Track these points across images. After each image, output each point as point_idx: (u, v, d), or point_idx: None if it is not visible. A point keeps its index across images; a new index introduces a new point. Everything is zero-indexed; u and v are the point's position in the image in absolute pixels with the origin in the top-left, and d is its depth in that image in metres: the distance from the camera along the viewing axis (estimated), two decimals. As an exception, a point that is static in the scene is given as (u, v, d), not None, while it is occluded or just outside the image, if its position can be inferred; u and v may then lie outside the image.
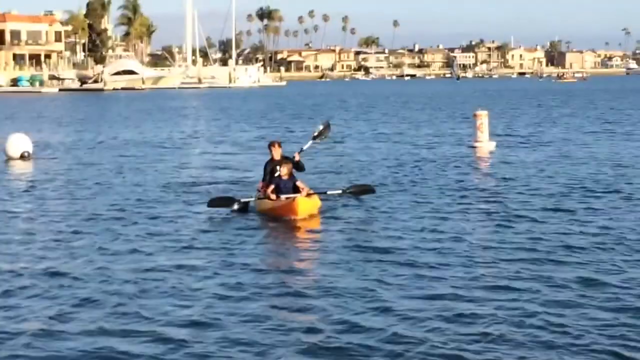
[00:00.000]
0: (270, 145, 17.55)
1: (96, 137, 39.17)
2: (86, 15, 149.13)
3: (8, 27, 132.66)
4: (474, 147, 29.56)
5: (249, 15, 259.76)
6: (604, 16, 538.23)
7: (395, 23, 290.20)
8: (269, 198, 16.20)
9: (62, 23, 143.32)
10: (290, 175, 16.48)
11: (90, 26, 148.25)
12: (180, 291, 10.87)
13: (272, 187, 16.34)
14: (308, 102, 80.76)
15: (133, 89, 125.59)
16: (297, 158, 17.28)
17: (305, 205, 15.75)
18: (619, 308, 9.86)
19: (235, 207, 16.43)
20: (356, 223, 15.53)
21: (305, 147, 18.36)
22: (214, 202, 16.52)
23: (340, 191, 17.72)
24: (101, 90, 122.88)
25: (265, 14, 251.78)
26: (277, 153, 17.19)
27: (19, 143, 28.68)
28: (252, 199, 16.76)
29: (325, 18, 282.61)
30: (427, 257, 12.52)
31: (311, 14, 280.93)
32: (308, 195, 16.17)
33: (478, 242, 13.68)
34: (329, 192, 17.65)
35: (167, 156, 29.77)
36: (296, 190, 16.27)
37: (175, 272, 11.83)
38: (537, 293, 10.46)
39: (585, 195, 18.54)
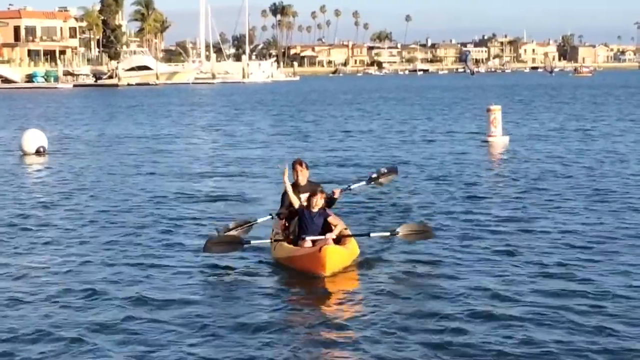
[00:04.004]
0: (295, 165, 12.92)
1: (110, 132, 39.21)
2: (100, 12, 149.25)
3: (23, 23, 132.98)
4: (488, 141, 29.52)
5: (263, 11, 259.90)
6: (617, 10, 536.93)
7: (408, 18, 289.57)
8: (291, 242, 11.91)
9: (76, 19, 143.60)
10: (322, 207, 11.99)
11: (104, 22, 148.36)
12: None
13: (292, 219, 12.20)
14: (347, 97, 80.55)
15: (147, 84, 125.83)
16: (336, 195, 12.94)
17: (336, 256, 11.08)
18: None
19: (242, 249, 12.14)
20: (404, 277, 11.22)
21: (353, 187, 14.54)
22: (213, 246, 11.81)
23: (364, 183, 14.62)
24: (116, 85, 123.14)
25: (278, 10, 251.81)
26: (303, 176, 12.81)
27: (34, 138, 28.80)
28: (267, 240, 12.20)
29: (337, 13, 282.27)
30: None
31: (323, 9, 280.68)
32: (341, 238, 11.77)
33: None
34: (352, 187, 14.47)
35: (178, 152, 29.79)
36: (327, 229, 11.82)
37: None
38: None
39: None
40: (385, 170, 14.79)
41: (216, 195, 18.67)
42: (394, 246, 12.76)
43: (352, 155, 26.93)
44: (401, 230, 12.34)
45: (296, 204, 12.22)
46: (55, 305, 10.10)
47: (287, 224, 12.51)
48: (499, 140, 29.46)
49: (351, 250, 11.56)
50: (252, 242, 12.07)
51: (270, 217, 13.09)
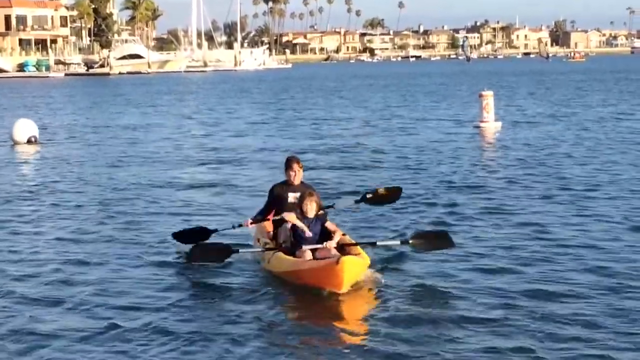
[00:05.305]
0: (291, 162, 11.31)
1: (101, 121, 39.13)
2: (91, 0, 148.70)
3: (14, 12, 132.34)
4: (480, 127, 29.54)
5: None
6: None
7: (401, 4, 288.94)
8: (286, 252, 10.28)
9: (67, 8, 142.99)
10: (317, 212, 10.48)
11: (95, 11, 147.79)
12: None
13: (291, 215, 10.47)
14: (354, 83, 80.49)
15: (139, 73, 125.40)
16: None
17: (355, 269, 9.49)
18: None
19: (229, 259, 10.72)
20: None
21: (337, 207, 12.53)
22: (198, 255, 10.61)
23: (352, 201, 12.57)
24: (107, 74, 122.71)
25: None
26: (297, 177, 11.22)
27: (25, 128, 28.71)
28: (258, 249, 10.92)
29: (330, 0, 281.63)
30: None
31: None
32: (343, 246, 10.31)
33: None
34: (337, 206, 12.42)
35: (173, 139, 29.76)
36: (325, 237, 10.31)
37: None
38: None
39: None
40: (384, 191, 12.33)
41: (202, 183, 18.66)
42: (405, 256, 11.06)
43: (348, 144, 26.92)
44: (413, 239, 10.66)
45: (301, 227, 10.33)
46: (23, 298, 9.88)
47: (275, 231, 10.99)
48: (491, 126, 29.48)
49: (365, 261, 9.81)
50: (240, 250, 10.68)
51: (232, 227, 11.71)
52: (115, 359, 7.96)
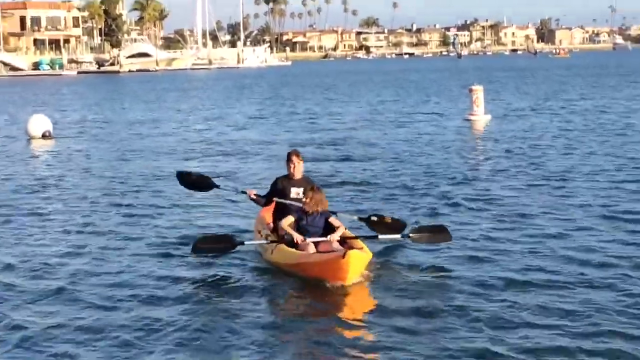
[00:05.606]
0: (291, 155, 11.03)
1: (111, 116, 39.08)
2: (102, 2, 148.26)
3: (29, 13, 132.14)
4: (470, 119, 29.52)
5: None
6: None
7: (395, 4, 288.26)
8: (291, 244, 9.99)
9: (79, 9, 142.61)
10: (319, 207, 10.21)
11: (105, 12, 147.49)
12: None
13: (289, 218, 10.26)
14: (350, 79, 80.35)
15: (147, 70, 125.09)
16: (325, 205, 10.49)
17: (360, 263, 9.35)
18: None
19: (232, 250, 10.47)
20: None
21: (339, 214, 10.87)
22: (203, 245, 10.26)
23: (355, 218, 11.55)
24: (117, 72, 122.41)
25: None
26: (298, 169, 10.95)
27: (40, 123, 28.67)
28: (262, 241, 10.55)
29: (327, 0, 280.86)
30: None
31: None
32: (345, 239, 10.03)
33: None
34: (339, 214, 10.91)
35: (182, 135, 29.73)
36: (328, 231, 10.08)
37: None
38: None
39: None
40: (390, 220, 11.15)
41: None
42: (404, 249, 10.91)
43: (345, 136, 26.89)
44: (413, 233, 10.55)
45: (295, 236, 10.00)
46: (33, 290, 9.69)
47: (275, 223, 10.74)
48: (481, 119, 29.46)
49: (368, 255, 9.65)
50: (245, 242, 10.42)
51: (235, 191, 12.37)
52: (119, 349, 7.77)
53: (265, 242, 10.38)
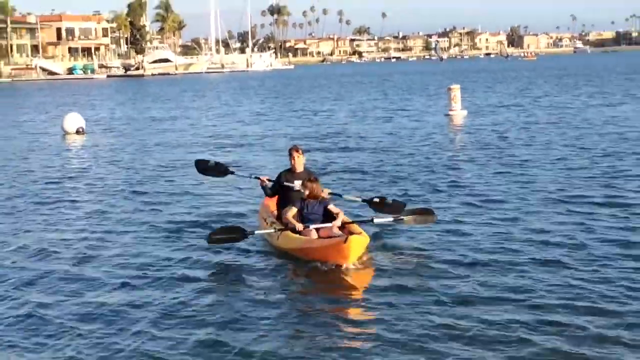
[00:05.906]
0: (291, 150, 10.99)
1: (138, 115, 39.05)
2: (128, 14, 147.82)
3: (64, 25, 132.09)
4: (449, 115, 29.52)
5: (262, 11, 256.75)
6: (555, 3, 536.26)
7: (384, 15, 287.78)
8: (295, 230, 9.84)
9: (108, 21, 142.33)
10: (318, 196, 10.18)
11: (131, 23, 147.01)
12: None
13: (293, 210, 10.10)
14: (343, 80, 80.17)
15: (168, 74, 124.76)
16: (325, 195, 10.43)
17: (360, 247, 9.27)
18: None
19: (243, 240, 10.19)
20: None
21: (345, 197, 11.41)
22: (217, 236, 10.00)
23: (360, 199, 11.34)
24: (141, 75, 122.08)
25: (275, 10, 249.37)
26: (299, 163, 10.88)
27: (74, 120, 28.69)
28: (270, 230, 10.20)
29: (325, 12, 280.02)
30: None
31: (312, 9, 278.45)
32: (344, 225, 9.86)
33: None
34: (344, 196, 11.44)
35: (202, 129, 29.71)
36: (328, 217, 10.06)
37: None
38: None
39: None
40: (391, 202, 10.85)
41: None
42: (397, 231, 10.76)
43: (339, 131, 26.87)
44: (405, 215, 10.46)
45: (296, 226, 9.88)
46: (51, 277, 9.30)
47: (279, 211, 10.60)
48: (459, 114, 29.46)
49: (367, 239, 9.51)
50: (255, 232, 10.18)
51: (249, 176, 11.92)
52: (134, 335, 7.37)
53: (271, 231, 10.13)
